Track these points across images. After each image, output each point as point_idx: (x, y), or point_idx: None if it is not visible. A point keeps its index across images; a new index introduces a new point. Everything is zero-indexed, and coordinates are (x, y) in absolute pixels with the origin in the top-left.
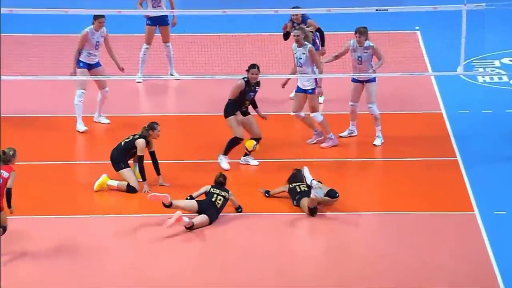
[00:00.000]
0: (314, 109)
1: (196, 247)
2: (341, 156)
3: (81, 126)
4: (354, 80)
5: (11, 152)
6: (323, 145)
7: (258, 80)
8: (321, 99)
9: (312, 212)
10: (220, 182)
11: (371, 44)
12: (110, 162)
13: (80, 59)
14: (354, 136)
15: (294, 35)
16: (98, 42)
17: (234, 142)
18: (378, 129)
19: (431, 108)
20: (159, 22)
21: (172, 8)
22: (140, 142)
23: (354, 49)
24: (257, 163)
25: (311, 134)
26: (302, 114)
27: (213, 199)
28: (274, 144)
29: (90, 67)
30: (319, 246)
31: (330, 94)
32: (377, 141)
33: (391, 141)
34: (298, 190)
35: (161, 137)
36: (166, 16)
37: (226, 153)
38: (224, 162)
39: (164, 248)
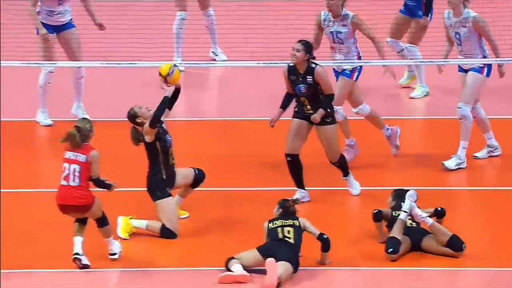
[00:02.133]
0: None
1: None
2: (464, 182)
3: (43, 117)
4: (460, 70)
5: (87, 126)
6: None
7: (311, 65)
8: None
9: (456, 244)
10: (284, 209)
11: (472, 14)
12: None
13: (40, 20)
14: (497, 156)
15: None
16: None
17: (289, 165)
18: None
19: None
20: None
21: None
22: (146, 128)
23: (451, 23)
24: (358, 191)
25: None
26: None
27: (280, 236)
28: (371, 163)
29: (58, 30)
30: None
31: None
32: (451, 162)
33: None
34: (408, 224)
35: (196, 153)
36: None
37: (299, 185)
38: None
39: None
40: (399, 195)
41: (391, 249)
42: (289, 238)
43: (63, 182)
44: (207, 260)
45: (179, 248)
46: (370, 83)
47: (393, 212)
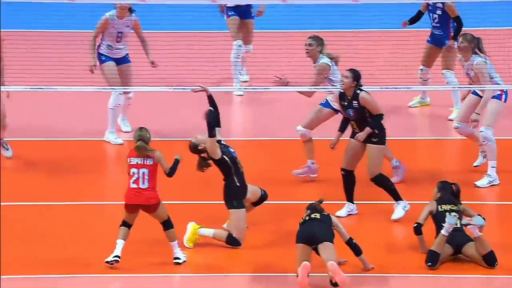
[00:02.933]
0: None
1: None
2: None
3: (112, 137)
4: (474, 92)
5: (147, 134)
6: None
7: (356, 91)
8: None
9: (491, 259)
10: (311, 209)
11: (476, 60)
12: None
13: (101, 52)
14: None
15: (305, 45)
16: (120, 33)
17: (343, 178)
18: (489, 162)
19: None
20: (241, 14)
21: None
22: (208, 147)
23: (463, 65)
24: (395, 218)
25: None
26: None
27: (307, 219)
28: (412, 178)
29: (117, 62)
30: None
31: None
32: (483, 181)
33: None
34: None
35: (251, 170)
36: (250, 6)
37: (349, 198)
38: (344, 211)
39: None
40: (444, 187)
41: (430, 263)
42: (317, 219)
43: (133, 185)
44: (269, 266)
45: (240, 256)
46: (399, 103)
47: (439, 207)
